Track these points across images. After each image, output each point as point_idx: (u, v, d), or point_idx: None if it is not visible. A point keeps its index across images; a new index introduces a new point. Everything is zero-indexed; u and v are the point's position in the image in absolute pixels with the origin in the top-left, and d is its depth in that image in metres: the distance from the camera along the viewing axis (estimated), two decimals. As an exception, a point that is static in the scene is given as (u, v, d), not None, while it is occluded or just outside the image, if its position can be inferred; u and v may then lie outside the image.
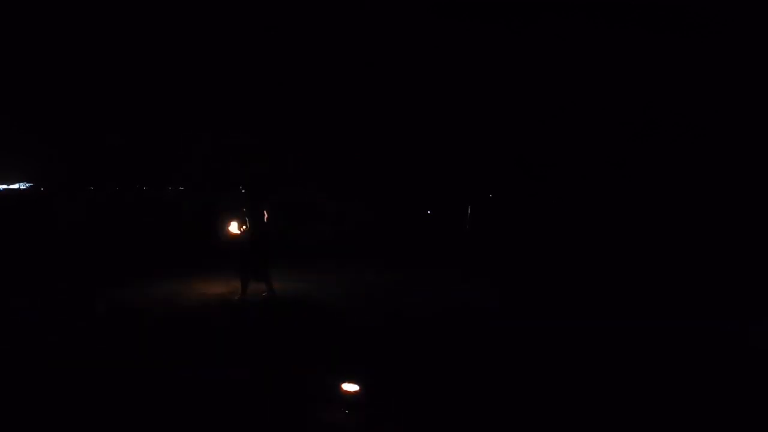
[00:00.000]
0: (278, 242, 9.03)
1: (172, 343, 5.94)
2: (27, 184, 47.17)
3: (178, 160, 30.74)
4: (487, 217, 17.38)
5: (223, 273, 9.74)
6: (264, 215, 8.47)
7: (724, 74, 19.66)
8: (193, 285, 9.25)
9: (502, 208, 19.06)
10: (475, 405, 4.40)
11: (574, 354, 5.66)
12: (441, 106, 26.09)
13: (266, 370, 5.03)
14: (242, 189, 8.59)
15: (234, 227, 8.58)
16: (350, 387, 4.46)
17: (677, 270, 10.53)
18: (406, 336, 6.27)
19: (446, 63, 26.73)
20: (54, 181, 39.48)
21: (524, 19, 25.35)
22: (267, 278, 8.46)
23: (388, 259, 12.04)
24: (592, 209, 19.13)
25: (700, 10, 19.63)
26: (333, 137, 24.72)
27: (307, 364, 5.18)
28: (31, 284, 8.84)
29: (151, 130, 31.76)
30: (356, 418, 4.10)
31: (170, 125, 31.29)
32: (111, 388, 4.62)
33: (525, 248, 13.64)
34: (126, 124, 31.71)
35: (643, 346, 5.90)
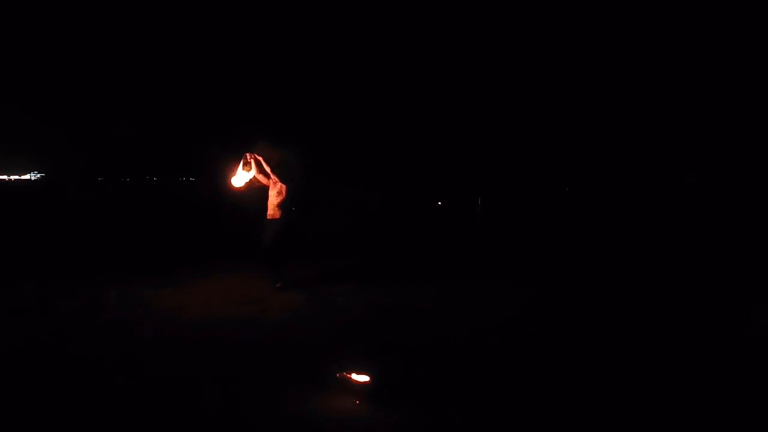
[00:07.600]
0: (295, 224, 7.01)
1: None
2: (38, 174, 46.73)
3: (188, 152, 30.36)
4: (497, 209, 16.91)
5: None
6: (287, 184, 6.67)
7: (724, 74, 19.20)
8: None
9: (509, 201, 18.67)
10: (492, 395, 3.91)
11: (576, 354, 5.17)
12: (442, 104, 25.69)
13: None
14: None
15: (241, 177, 6.55)
16: (360, 377, 3.98)
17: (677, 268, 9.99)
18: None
19: (446, 63, 26.31)
20: (65, 172, 39.07)
21: (524, 19, 24.92)
22: (279, 265, 6.80)
23: (398, 257, 10.66)
24: (592, 206, 18.70)
25: (700, 10, 19.16)
26: (346, 131, 24.40)
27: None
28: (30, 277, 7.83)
29: (160, 122, 31.39)
30: (366, 408, 3.62)
31: (180, 117, 30.90)
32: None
33: (533, 241, 13.06)
34: (136, 115, 31.34)
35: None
